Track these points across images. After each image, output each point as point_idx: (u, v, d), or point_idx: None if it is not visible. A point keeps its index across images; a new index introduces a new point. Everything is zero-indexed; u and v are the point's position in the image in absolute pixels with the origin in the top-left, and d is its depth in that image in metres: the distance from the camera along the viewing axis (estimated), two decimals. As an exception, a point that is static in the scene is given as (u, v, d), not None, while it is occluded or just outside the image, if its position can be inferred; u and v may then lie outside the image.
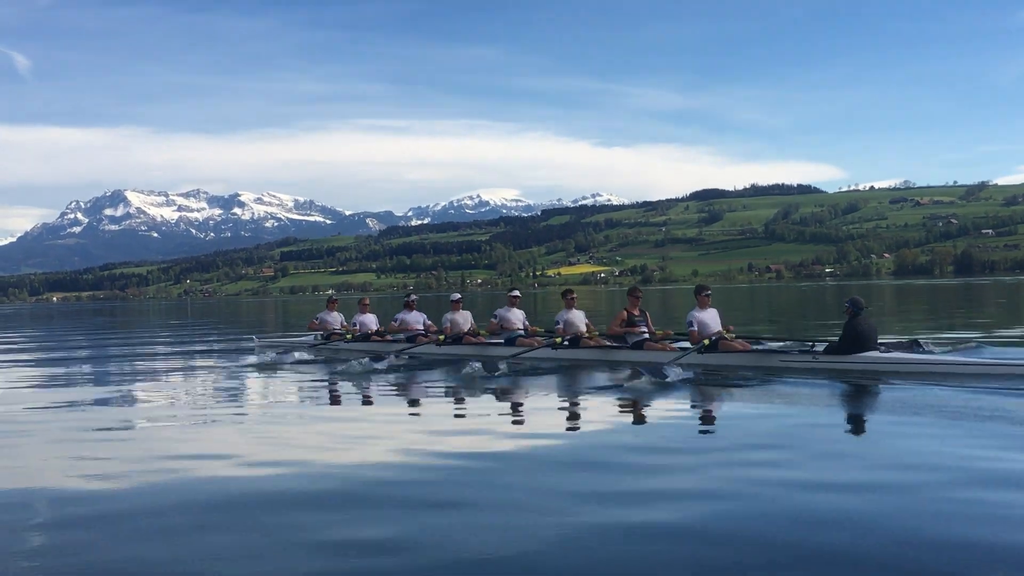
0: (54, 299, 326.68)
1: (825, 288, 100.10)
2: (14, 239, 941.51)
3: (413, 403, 10.91)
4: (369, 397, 11.38)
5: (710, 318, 13.10)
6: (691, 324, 13.05)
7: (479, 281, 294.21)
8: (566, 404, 10.38)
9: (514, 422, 9.04)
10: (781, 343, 13.37)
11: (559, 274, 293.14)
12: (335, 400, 11.28)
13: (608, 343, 14.18)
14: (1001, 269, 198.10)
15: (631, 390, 10.61)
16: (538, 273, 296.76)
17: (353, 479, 6.38)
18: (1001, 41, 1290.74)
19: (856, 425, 8.37)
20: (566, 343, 14.31)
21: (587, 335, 14.36)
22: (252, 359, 16.65)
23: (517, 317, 15.66)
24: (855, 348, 11.69)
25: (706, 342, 12.60)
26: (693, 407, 9.72)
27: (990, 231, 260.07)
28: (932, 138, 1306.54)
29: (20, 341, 30.32)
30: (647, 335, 13.76)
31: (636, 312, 14.10)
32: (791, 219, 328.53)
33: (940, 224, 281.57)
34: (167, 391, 12.55)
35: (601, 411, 9.50)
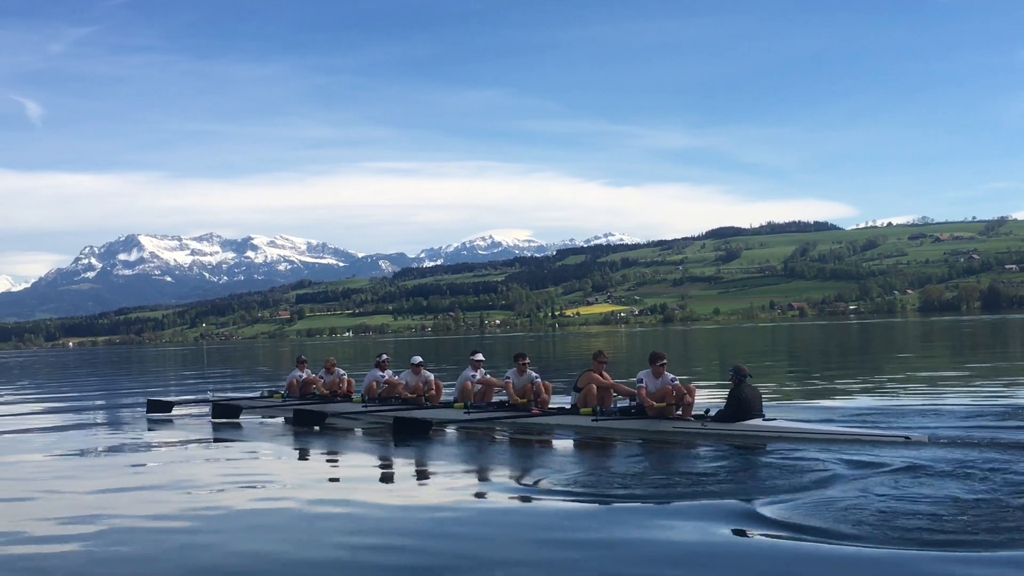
0: (70, 344, 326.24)
1: (850, 327, 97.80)
2: (28, 285, 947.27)
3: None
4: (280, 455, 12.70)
5: (658, 385, 13.33)
6: (641, 381, 13.38)
7: (497, 322, 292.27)
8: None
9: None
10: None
11: (578, 314, 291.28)
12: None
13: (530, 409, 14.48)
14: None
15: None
16: (556, 313, 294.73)
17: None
18: (1006, 78, 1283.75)
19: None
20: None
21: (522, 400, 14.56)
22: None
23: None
24: (739, 416, 12.19)
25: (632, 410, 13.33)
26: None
27: (1013, 266, 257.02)
28: (942, 175, 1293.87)
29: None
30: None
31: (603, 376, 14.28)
32: (809, 256, 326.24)
33: (962, 260, 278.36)
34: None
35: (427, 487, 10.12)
